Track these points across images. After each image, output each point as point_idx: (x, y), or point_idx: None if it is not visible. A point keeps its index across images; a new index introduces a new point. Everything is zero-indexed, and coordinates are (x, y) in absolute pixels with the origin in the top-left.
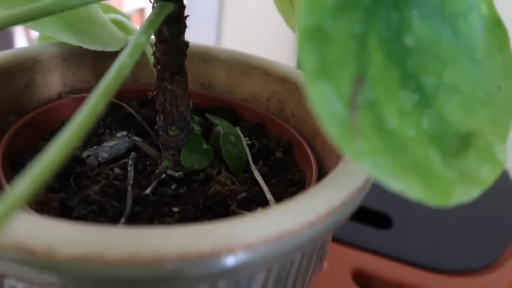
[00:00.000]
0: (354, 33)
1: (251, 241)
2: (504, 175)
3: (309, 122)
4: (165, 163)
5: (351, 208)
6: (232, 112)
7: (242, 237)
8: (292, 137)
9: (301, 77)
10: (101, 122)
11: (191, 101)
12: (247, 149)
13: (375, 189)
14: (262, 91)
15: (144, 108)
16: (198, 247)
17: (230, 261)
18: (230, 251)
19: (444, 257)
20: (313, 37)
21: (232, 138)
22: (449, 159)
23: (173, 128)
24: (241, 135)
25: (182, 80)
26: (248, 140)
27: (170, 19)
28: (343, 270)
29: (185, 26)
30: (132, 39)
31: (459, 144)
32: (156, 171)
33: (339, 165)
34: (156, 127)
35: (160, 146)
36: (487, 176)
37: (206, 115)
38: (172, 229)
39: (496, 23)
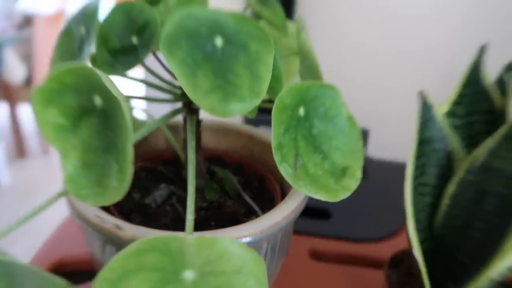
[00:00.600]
0: (291, 139)
1: (260, 229)
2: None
3: (271, 162)
4: (197, 201)
5: (299, 211)
6: (220, 159)
7: (256, 228)
8: (262, 172)
9: (263, 135)
10: (142, 178)
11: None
12: (237, 183)
13: None
14: (237, 144)
15: (168, 166)
16: (238, 235)
17: (253, 239)
18: (254, 234)
19: (366, 232)
20: (278, 147)
21: (228, 178)
22: (338, 180)
23: (199, 179)
24: (233, 178)
25: (201, 151)
26: (237, 179)
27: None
28: (302, 252)
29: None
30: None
31: (341, 173)
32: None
33: (291, 190)
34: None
35: None
36: (354, 186)
37: (211, 166)
38: (220, 231)
39: (350, 117)
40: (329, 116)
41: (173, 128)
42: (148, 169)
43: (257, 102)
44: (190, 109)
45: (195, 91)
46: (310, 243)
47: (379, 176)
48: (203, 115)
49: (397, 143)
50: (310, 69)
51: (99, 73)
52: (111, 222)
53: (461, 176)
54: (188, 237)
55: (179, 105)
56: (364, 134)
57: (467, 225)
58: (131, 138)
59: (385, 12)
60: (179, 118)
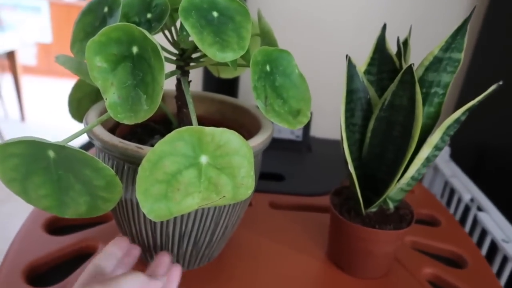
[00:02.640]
0: (262, 85)
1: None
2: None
3: (240, 119)
4: None
5: (268, 141)
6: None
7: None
8: (233, 128)
9: (232, 99)
10: (138, 132)
11: None
12: None
13: (274, 160)
14: (211, 109)
15: (158, 124)
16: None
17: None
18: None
19: (312, 189)
20: (254, 88)
21: None
22: (295, 117)
23: None
24: None
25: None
26: None
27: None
28: (264, 204)
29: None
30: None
31: (297, 113)
32: None
33: (261, 128)
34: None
35: None
36: (305, 121)
37: None
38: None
39: (301, 75)
40: (286, 73)
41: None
42: (142, 126)
43: (242, 52)
44: (183, 71)
45: (202, 43)
46: (270, 197)
47: (321, 149)
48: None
49: (333, 125)
50: (270, 44)
51: (139, 28)
52: (133, 145)
53: (376, 114)
54: (207, 128)
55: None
56: None
57: (383, 150)
58: (163, 70)
59: (319, 19)
60: (167, 89)
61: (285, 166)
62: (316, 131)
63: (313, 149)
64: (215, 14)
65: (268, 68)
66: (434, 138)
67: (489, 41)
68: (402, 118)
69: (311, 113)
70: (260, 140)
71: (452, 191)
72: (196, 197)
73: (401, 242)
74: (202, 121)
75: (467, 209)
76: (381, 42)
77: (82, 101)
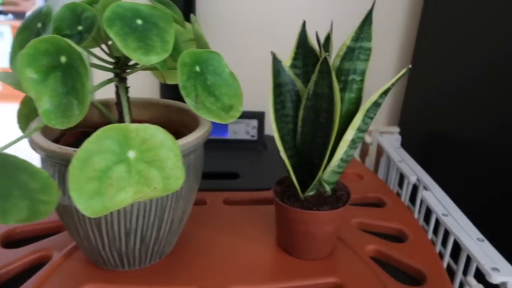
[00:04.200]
0: (192, 85)
1: (188, 141)
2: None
3: (184, 121)
4: None
5: (206, 136)
6: None
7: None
8: (178, 129)
9: (176, 103)
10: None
11: None
12: None
13: (230, 160)
14: (157, 114)
15: None
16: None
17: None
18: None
19: (265, 184)
20: (183, 87)
21: None
22: (227, 113)
23: None
24: None
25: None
26: None
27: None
28: (218, 201)
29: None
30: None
31: (229, 108)
32: None
33: (199, 126)
34: None
35: None
36: (237, 115)
37: None
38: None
39: (231, 73)
40: (217, 72)
41: (105, 105)
42: (86, 133)
43: (166, 55)
44: (120, 78)
45: (127, 49)
46: (224, 195)
47: (275, 148)
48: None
49: None
50: (202, 47)
51: (64, 39)
52: (71, 149)
53: (304, 103)
54: (131, 125)
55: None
56: (261, 116)
57: (313, 136)
58: (90, 77)
59: (264, 21)
60: (109, 97)
61: (240, 165)
62: (271, 130)
63: (269, 147)
64: (139, 21)
65: (198, 68)
66: (356, 121)
67: (429, 31)
68: (326, 105)
69: (264, 113)
70: (195, 136)
71: (402, 176)
72: (129, 191)
73: (340, 222)
74: None
75: (416, 190)
76: (303, 38)
77: (30, 116)
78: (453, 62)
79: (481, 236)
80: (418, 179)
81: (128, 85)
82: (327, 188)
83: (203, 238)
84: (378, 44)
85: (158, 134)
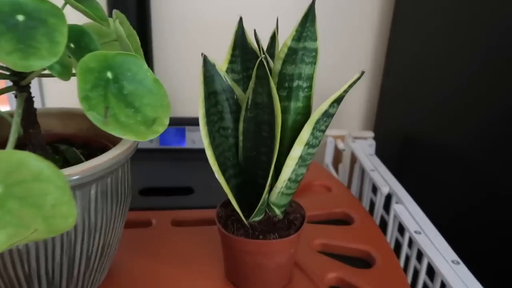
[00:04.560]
0: (100, 95)
1: (84, 168)
2: None
3: (111, 136)
4: None
5: (122, 158)
6: (67, 140)
7: (80, 167)
8: (105, 145)
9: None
10: None
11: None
12: (80, 155)
13: (184, 173)
14: (83, 126)
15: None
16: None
17: (80, 176)
18: (79, 172)
19: (220, 201)
20: (84, 99)
21: (70, 151)
22: (148, 127)
23: (38, 151)
24: (76, 150)
25: (37, 127)
26: (81, 152)
27: (26, 100)
28: (165, 223)
29: (33, 102)
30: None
31: (152, 122)
32: None
33: (120, 142)
34: None
35: None
36: (161, 130)
37: (58, 145)
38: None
39: (156, 80)
40: (137, 79)
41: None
42: None
43: (55, 59)
44: (19, 86)
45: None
46: (173, 214)
47: None
48: (51, 103)
49: None
50: (125, 49)
51: None
52: None
53: (243, 114)
54: None
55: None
56: None
57: (257, 152)
58: None
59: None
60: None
61: (197, 178)
62: None
63: None
64: (20, 17)
65: (109, 75)
66: (304, 135)
67: (402, 32)
68: (267, 117)
69: None
70: (108, 157)
71: (375, 186)
72: (1, 233)
73: (295, 249)
74: (74, 140)
75: (389, 202)
76: (240, 37)
77: None
78: (430, 63)
79: (456, 258)
80: (390, 191)
81: (33, 94)
82: (277, 211)
83: (140, 269)
84: (350, 45)
85: (29, 162)
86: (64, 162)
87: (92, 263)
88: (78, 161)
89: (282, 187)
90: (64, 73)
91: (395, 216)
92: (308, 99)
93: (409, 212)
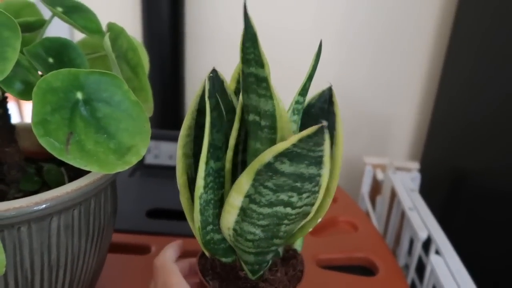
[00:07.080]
0: (64, 118)
1: (42, 199)
2: None
3: None
4: (12, 192)
5: (87, 190)
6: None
7: (41, 197)
8: None
9: None
10: None
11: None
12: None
13: (171, 197)
14: None
15: None
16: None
17: (38, 208)
18: (37, 203)
19: None
20: (40, 123)
21: (52, 170)
22: (120, 157)
23: (14, 172)
24: (62, 170)
25: (16, 145)
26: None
27: (1, 116)
28: None
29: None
30: None
31: (126, 151)
32: (8, 195)
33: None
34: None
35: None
36: (134, 161)
37: (40, 163)
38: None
39: (136, 102)
40: (115, 101)
41: None
42: None
43: (1, 78)
44: None
45: None
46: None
47: None
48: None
49: None
50: (128, 64)
51: None
52: None
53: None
54: None
55: None
56: None
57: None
58: None
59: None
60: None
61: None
62: None
63: None
64: None
65: (79, 95)
66: (242, 182)
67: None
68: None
69: None
70: (76, 185)
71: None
72: None
73: None
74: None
75: (427, 249)
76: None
77: None
78: (489, 90)
79: None
80: (429, 236)
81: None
82: (250, 275)
83: None
84: (400, 69)
85: None
86: (43, 184)
87: None
88: (60, 184)
89: (229, 236)
90: (26, 93)
91: (432, 271)
92: (272, 142)
93: (448, 267)
